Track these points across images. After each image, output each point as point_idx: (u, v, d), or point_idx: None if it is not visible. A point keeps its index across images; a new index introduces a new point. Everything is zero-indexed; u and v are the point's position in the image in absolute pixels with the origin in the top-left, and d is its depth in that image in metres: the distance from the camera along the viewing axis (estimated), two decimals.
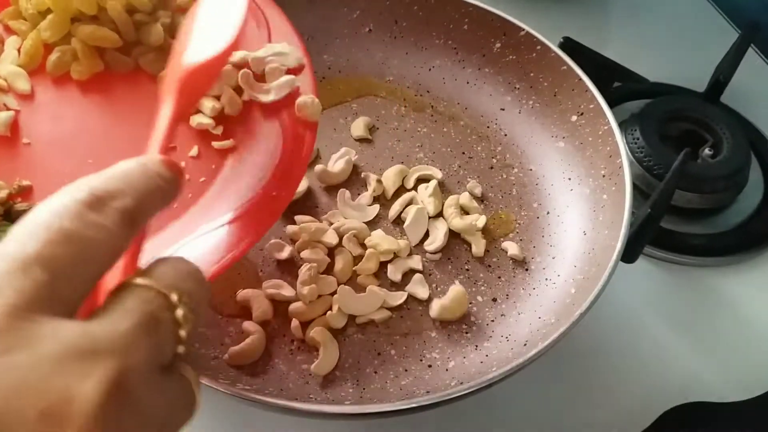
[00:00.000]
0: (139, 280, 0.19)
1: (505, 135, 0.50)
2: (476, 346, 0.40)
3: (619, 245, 0.38)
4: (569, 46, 0.57)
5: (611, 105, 0.45)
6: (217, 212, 0.33)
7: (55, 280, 0.17)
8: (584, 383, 0.43)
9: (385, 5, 0.52)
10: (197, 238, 0.32)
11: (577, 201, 0.45)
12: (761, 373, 0.44)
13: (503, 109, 0.51)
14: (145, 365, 0.18)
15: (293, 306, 0.40)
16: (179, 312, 0.19)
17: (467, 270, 0.43)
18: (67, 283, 0.17)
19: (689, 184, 0.50)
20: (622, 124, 0.52)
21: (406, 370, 0.39)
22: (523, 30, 0.48)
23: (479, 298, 0.42)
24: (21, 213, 0.33)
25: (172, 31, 0.39)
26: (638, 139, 0.52)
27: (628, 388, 0.43)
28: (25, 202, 0.34)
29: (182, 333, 0.19)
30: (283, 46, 0.38)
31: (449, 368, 0.39)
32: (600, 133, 0.44)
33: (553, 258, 0.43)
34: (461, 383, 0.34)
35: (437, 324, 0.41)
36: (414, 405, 0.33)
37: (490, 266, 0.43)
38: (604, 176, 0.43)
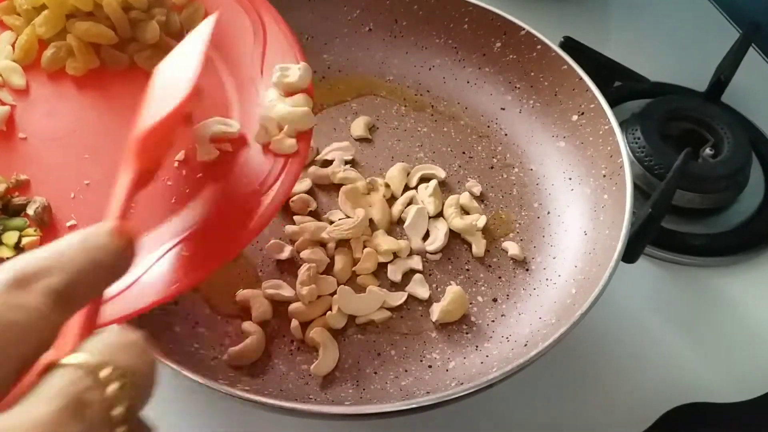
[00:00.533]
0: (65, 359, 0.17)
1: (506, 134, 0.50)
2: (476, 346, 0.40)
3: (619, 245, 0.38)
4: (570, 45, 0.57)
5: (612, 105, 0.45)
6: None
7: None
8: (585, 383, 0.43)
9: (385, 5, 0.52)
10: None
11: (578, 201, 0.45)
12: (761, 373, 0.44)
13: (504, 109, 0.50)
14: None
15: (293, 306, 0.40)
16: (110, 389, 0.17)
17: (467, 270, 0.43)
18: None
19: (690, 183, 0.50)
20: (622, 124, 0.52)
21: (406, 371, 0.38)
22: (524, 29, 0.48)
23: (479, 299, 0.42)
24: (19, 207, 0.33)
25: (167, 28, 0.39)
26: (639, 138, 0.52)
27: (629, 388, 0.43)
28: (23, 196, 0.34)
29: (115, 413, 0.17)
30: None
31: (449, 369, 0.38)
32: (601, 132, 0.44)
33: (554, 258, 0.43)
34: (461, 384, 0.34)
35: (437, 324, 0.40)
36: (414, 405, 0.32)
37: (490, 266, 0.43)
38: (604, 176, 0.43)
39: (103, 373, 0.17)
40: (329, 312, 0.40)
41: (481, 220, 0.44)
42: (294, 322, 0.39)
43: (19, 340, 0.16)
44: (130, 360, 0.18)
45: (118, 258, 0.20)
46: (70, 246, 0.19)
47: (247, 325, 0.39)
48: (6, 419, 0.15)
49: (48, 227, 0.33)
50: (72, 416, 0.16)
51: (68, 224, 0.33)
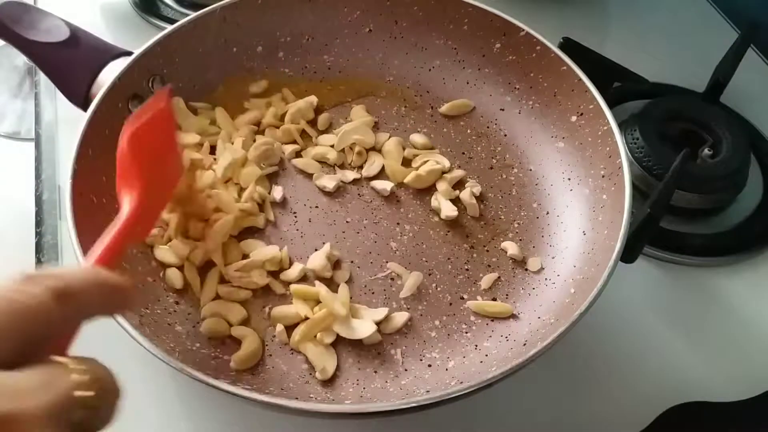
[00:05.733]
0: (56, 360, 0.21)
1: (505, 135, 0.50)
2: (476, 345, 0.40)
3: (618, 245, 0.38)
4: (569, 46, 0.57)
5: (611, 105, 0.45)
6: None
7: None
8: (584, 383, 0.43)
9: (385, 5, 0.52)
10: None
11: (577, 201, 0.45)
12: (761, 373, 0.44)
13: (503, 110, 0.51)
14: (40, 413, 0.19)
15: (275, 310, 0.40)
16: (80, 393, 0.20)
17: (467, 270, 0.43)
18: None
19: (689, 184, 0.50)
20: (621, 125, 0.52)
21: (406, 370, 0.39)
22: (523, 30, 0.49)
23: (479, 298, 0.42)
24: None
25: None
26: (638, 139, 0.52)
27: (628, 387, 0.43)
28: None
29: (76, 415, 0.20)
30: None
31: (449, 368, 0.39)
32: (600, 133, 0.44)
33: (553, 258, 0.43)
34: (461, 383, 0.35)
35: (437, 323, 0.41)
36: (414, 404, 0.33)
37: (489, 266, 0.43)
38: (603, 176, 0.44)
39: (80, 378, 0.21)
40: (319, 334, 0.39)
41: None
42: (279, 327, 0.39)
43: (24, 318, 0.20)
44: (103, 381, 0.22)
45: (111, 290, 0.24)
46: (78, 269, 0.24)
47: (239, 330, 0.39)
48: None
49: None
50: (45, 392, 0.19)
51: None
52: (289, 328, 0.40)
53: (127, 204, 0.32)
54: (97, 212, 0.41)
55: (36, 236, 0.49)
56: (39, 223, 0.50)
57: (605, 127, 0.44)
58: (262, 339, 0.39)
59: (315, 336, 0.39)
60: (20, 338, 0.20)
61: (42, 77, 0.60)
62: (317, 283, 0.41)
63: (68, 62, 0.46)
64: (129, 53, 0.47)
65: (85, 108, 0.44)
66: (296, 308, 0.40)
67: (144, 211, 0.32)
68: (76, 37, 0.47)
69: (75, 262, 0.36)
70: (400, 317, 0.40)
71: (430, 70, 0.53)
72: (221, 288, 0.41)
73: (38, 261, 0.48)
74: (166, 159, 0.37)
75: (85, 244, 0.37)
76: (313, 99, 0.50)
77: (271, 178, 0.47)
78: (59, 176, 0.53)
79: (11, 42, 0.47)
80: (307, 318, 0.40)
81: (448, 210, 0.45)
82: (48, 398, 0.19)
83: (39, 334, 0.21)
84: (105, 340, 0.41)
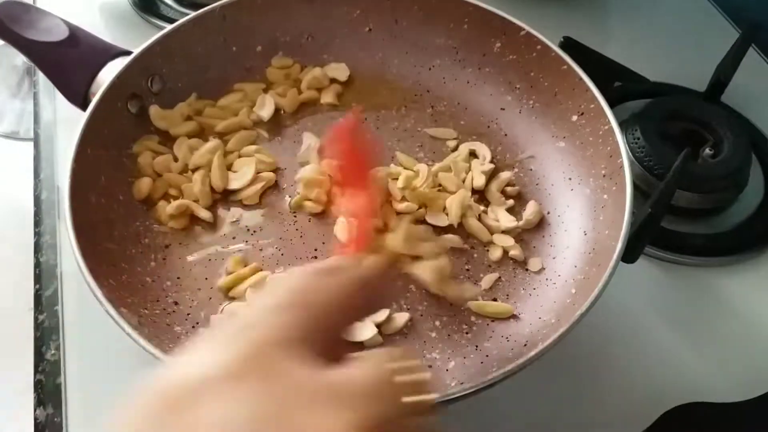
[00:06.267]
0: (373, 351, 0.22)
1: (506, 135, 0.50)
2: (476, 346, 0.40)
3: (619, 245, 0.38)
4: (569, 45, 0.57)
5: (612, 105, 0.45)
6: None
7: (305, 320, 0.20)
8: (584, 383, 0.43)
9: (385, 5, 0.52)
10: None
11: (578, 201, 0.45)
12: (761, 373, 0.44)
13: (503, 109, 0.50)
14: (390, 415, 0.19)
15: None
16: (405, 378, 0.21)
17: (467, 270, 0.43)
18: (316, 325, 0.20)
19: (690, 184, 0.50)
20: (622, 124, 0.52)
21: None
22: (524, 30, 0.48)
23: (479, 299, 0.42)
24: None
25: None
26: (639, 138, 0.52)
27: (629, 388, 0.43)
28: None
29: (407, 400, 0.20)
30: None
31: (449, 368, 0.39)
32: (600, 132, 0.44)
33: (554, 258, 0.43)
34: (461, 383, 0.34)
35: (437, 324, 0.40)
36: None
37: (490, 266, 0.43)
38: (604, 176, 0.43)
39: (402, 364, 0.21)
40: None
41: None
42: None
43: (337, 307, 0.22)
44: (417, 368, 0.22)
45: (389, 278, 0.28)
46: (357, 261, 0.25)
47: None
48: (330, 373, 0.19)
49: None
50: (386, 385, 0.20)
51: None
52: None
53: (359, 201, 0.34)
54: (95, 212, 0.41)
55: (35, 236, 0.49)
56: (38, 222, 0.50)
57: (606, 127, 0.44)
58: None
59: None
60: (335, 327, 0.22)
61: (41, 77, 0.60)
62: None
63: (67, 62, 0.46)
64: (128, 53, 0.46)
65: (84, 107, 0.44)
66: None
67: (372, 201, 0.35)
68: (76, 37, 0.47)
69: (74, 262, 0.36)
70: (401, 318, 0.40)
71: (430, 69, 0.53)
72: None
73: (37, 260, 0.48)
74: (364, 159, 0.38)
75: (84, 244, 0.37)
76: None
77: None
78: (58, 176, 0.53)
79: (10, 42, 0.47)
80: None
81: (508, 222, 0.44)
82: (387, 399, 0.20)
83: (346, 324, 0.23)
84: (105, 340, 0.42)
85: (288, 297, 0.21)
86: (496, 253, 0.44)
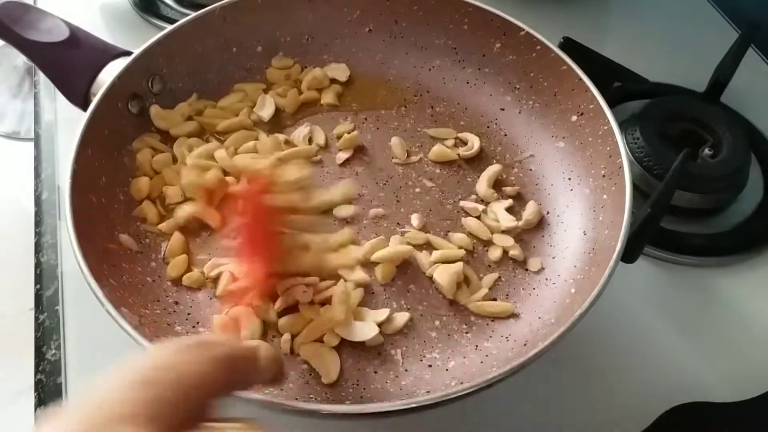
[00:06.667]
0: (217, 426, 0.23)
1: (505, 135, 0.50)
2: (476, 346, 0.40)
3: (619, 245, 0.38)
4: (569, 46, 0.57)
5: (611, 105, 0.45)
6: None
7: (152, 400, 0.21)
8: (584, 383, 0.43)
9: (385, 5, 0.52)
10: None
11: (577, 201, 0.45)
12: (761, 373, 0.44)
13: (503, 109, 0.51)
14: None
15: (283, 320, 0.40)
16: None
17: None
18: (161, 405, 0.21)
19: (689, 184, 0.50)
20: (622, 124, 0.52)
21: (406, 370, 0.39)
22: (523, 30, 0.48)
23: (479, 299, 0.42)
24: None
25: None
26: (638, 139, 0.52)
27: (628, 388, 0.43)
28: None
29: None
30: None
31: (449, 368, 0.39)
32: (600, 133, 0.44)
33: (553, 258, 0.43)
34: (462, 383, 0.34)
35: (437, 324, 0.41)
36: (414, 405, 0.33)
37: (489, 266, 0.43)
38: (604, 176, 0.43)
39: None
40: (325, 336, 0.39)
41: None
42: (286, 336, 0.39)
43: (191, 387, 0.22)
44: None
45: (268, 364, 0.27)
46: (233, 340, 0.27)
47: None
48: None
49: None
50: None
51: None
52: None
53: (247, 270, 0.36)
54: (96, 212, 0.41)
55: (35, 236, 0.49)
56: (38, 222, 0.50)
57: (606, 127, 0.44)
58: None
59: (316, 339, 0.39)
60: (187, 408, 0.22)
61: (41, 77, 0.60)
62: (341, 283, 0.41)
63: (68, 62, 0.46)
64: (129, 53, 0.46)
65: (84, 108, 0.44)
66: (305, 314, 0.40)
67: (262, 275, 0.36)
68: (76, 37, 0.47)
69: (74, 261, 0.36)
70: (401, 318, 0.40)
71: (430, 69, 0.53)
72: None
73: (37, 260, 0.48)
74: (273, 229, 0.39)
75: (84, 244, 0.37)
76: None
77: None
78: (59, 176, 0.53)
79: (11, 42, 0.47)
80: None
81: (507, 221, 0.45)
82: None
83: (202, 403, 0.23)
84: (105, 340, 0.42)
85: (141, 373, 0.22)
86: (495, 253, 0.44)
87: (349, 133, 0.48)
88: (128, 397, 0.21)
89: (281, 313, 0.40)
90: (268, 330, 0.40)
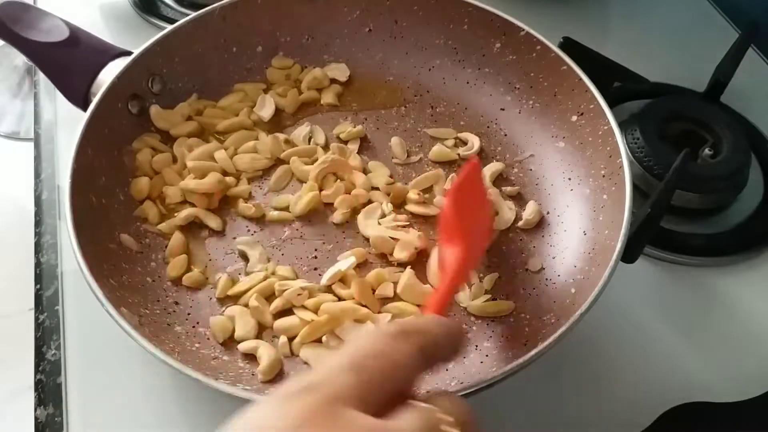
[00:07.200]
0: (423, 404, 0.24)
1: (505, 135, 0.50)
2: (476, 346, 0.40)
3: (619, 245, 0.38)
4: (569, 45, 0.57)
5: (611, 105, 0.45)
6: None
7: (363, 383, 0.23)
8: (584, 383, 0.43)
9: (385, 5, 0.52)
10: None
11: (577, 201, 0.45)
12: (761, 373, 0.44)
13: (503, 109, 0.51)
14: None
15: (277, 323, 0.40)
16: (441, 416, 0.24)
17: None
18: (371, 388, 0.23)
19: (689, 184, 0.50)
20: (622, 124, 0.52)
21: None
22: (523, 30, 0.48)
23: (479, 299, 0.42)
24: None
25: None
26: (638, 139, 0.52)
27: (628, 387, 0.43)
28: None
29: None
30: None
31: (449, 368, 0.39)
32: (600, 133, 0.44)
33: (553, 258, 0.43)
34: (461, 383, 0.34)
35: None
36: None
37: (489, 266, 0.43)
38: (604, 176, 0.43)
39: (450, 418, 0.24)
40: (325, 338, 0.39)
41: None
42: (282, 338, 0.39)
43: (395, 374, 0.24)
44: (466, 419, 0.25)
45: (458, 340, 0.28)
46: (434, 321, 0.28)
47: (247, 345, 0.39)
48: (389, 425, 0.22)
49: None
50: None
51: None
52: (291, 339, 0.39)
53: (453, 258, 0.35)
54: (96, 212, 0.41)
55: (35, 236, 0.49)
56: (38, 222, 0.50)
57: (606, 127, 0.44)
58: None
59: (316, 340, 0.39)
60: (391, 390, 0.23)
61: (41, 77, 0.60)
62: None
63: (68, 62, 0.46)
64: (129, 53, 0.47)
65: (84, 108, 0.44)
66: (301, 316, 0.39)
67: (466, 262, 0.35)
68: (76, 37, 0.47)
69: (74, 261, 0.36)
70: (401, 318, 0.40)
71: (430, 69, 0.53)
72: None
73: (37, 260, 0.48)
74: (480, 212, 0.40)
75: (84, 244, 0.37)
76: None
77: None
78: (59, 176, 0.53)
79: (11, 42, 0.47)
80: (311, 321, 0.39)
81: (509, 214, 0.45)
82: None
83: (405, 385, 0.25)
84: (105, 340, 0.42)
85: (352, 359, 0.23)
86: (495, 253, 0.44)
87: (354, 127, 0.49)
88: (342, 381, 0.22)
89: (277, 316, 0.40)
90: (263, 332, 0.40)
